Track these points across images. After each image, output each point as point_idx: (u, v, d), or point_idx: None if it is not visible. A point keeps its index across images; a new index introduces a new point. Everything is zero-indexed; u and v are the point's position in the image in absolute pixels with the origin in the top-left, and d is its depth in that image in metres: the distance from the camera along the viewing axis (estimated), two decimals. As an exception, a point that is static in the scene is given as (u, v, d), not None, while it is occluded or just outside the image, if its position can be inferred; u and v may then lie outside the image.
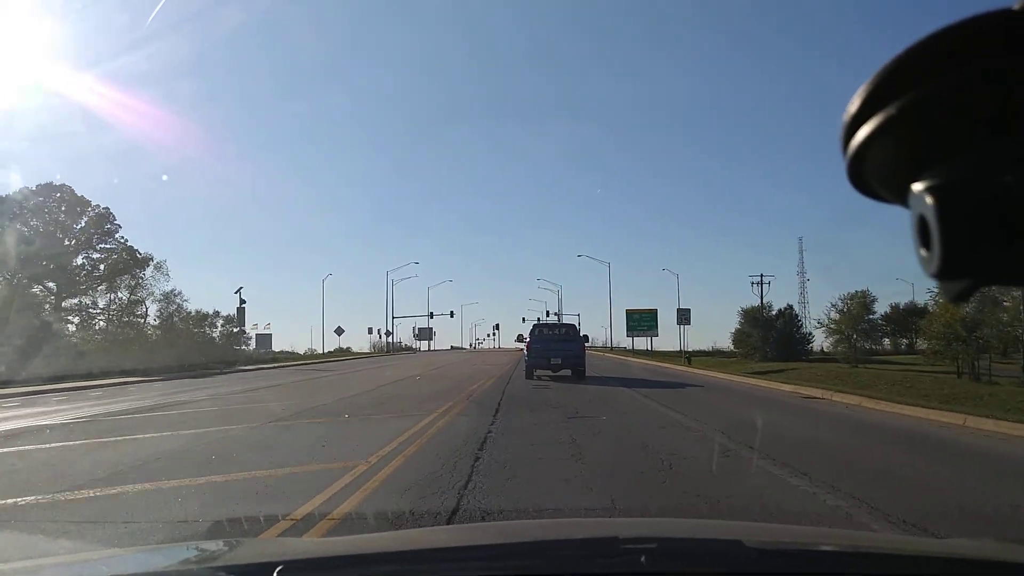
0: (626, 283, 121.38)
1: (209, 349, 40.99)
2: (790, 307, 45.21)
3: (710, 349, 62.36)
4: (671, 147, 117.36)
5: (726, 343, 57.60)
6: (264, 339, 53.10)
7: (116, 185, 79.29)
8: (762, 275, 51.22)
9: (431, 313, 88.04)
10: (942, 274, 0.50)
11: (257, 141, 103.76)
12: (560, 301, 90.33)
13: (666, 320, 61.74)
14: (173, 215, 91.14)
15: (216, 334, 46.62)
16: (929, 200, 0.51)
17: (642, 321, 58.65)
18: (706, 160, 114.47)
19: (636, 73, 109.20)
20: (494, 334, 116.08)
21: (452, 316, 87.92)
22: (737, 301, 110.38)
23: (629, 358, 45.12)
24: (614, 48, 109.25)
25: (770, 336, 42.20)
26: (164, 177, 75.09)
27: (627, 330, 59.10)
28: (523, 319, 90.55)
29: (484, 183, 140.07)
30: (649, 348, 59.20)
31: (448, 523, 4.82)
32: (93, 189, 65.18)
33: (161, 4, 40.25)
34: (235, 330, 45.77)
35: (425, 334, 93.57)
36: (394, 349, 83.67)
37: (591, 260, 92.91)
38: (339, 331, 63.52)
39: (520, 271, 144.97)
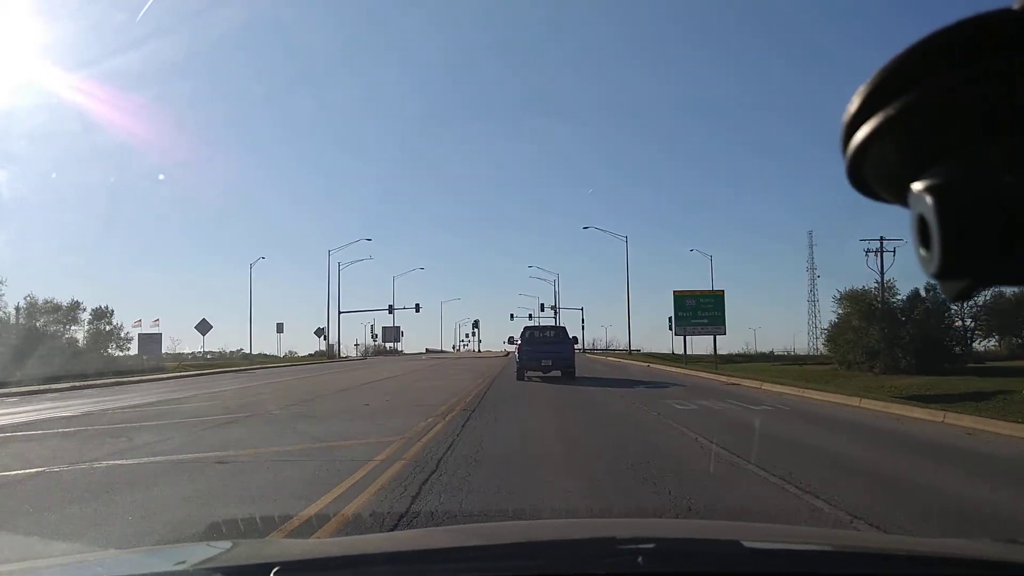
0: (637, 274, 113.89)
1: (61, 356, 28.81)
2: (932, 289, 26.59)
3: (748, 351, 49.47)
4: (681, 134, 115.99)
5: (779, 343, 43.07)
6: (149, 341, 38.68)
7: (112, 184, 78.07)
8: (882, 239, 34.43)
9: (391, 307, 67.94)
10: (941, 274, 0.50)
11: (242, 138, 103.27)
12: (556, 294, 79.56)
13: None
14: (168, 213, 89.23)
15: (81, 334, 35.41)
16: (929, 200, 0.51)
17: (701, 309, 35.79)
18: (723, 149, 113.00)
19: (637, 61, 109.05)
20: (474, 333, 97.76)
21: (418, 310, 69.13)
22: (760, 297, 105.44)
23: (730, 380, 22.31)
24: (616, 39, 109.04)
25: (901, 335, 26.09)
26: (161, 176, 73.98)
27: (675, 324, 36.36)
28: (511, 316, 76.48)
29: (470, 166, 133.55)
30: (714, 352, 36.84)
31: None
32: (90, 188, 64.34)
33: (149, 3, 39.90)
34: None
35: (391, 334, 75.97)
36: (370, 351, 71.64)
37: (597, 241, 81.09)
38: (204, 327, 43.47)
39: (508, 262, 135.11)
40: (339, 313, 62.36)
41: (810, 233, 71.13)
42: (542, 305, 74.60)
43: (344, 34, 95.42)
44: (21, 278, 73.98)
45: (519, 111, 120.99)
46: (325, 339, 60.25)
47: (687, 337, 37.45)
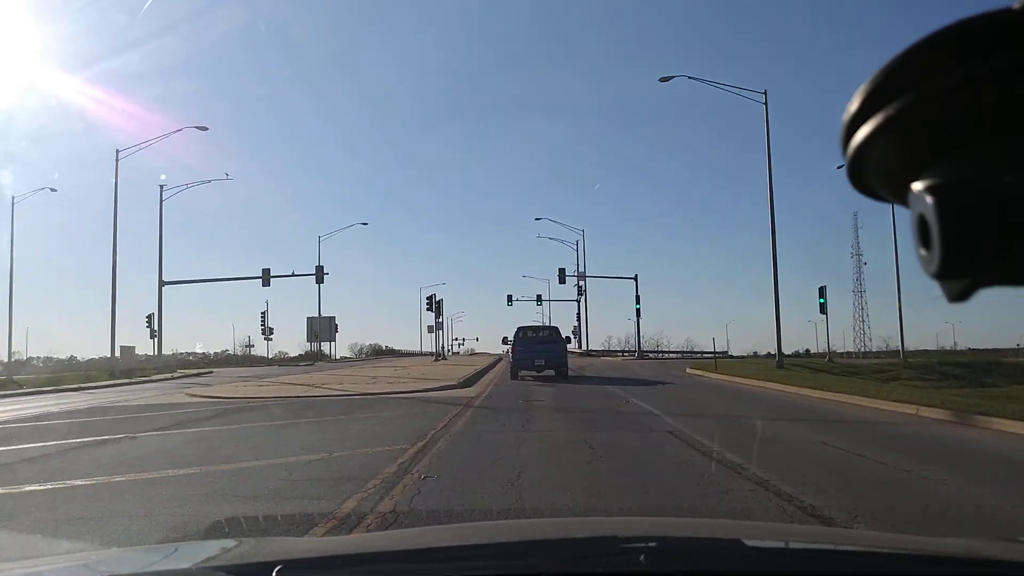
0: (646, 278, 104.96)
1: None
2: None
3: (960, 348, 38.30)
4: (677, 134, 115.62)
5: (805, 342, 33.18)
6: None
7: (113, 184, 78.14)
8: None
9: (267, 272, 38.64)
10: (942, 274, 0.50)
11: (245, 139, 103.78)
12: (582, 257, 53.69)
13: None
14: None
15: None
16: (929, 199, 0.50)
17: None
18: (721, 149, 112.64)
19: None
20: (438, 324, 58.22)
21: (320, 279, 40.56)
22: (765, 299, 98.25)
23: None
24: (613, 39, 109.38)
25: None
26: (163, 176, 73.53)
27: None
28: (509, 299, 57.33)
29: (466, 165, 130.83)
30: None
31: None
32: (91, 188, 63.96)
33: (149, 3, 40.14)
34: None
35: (319, 328, 51.25)
36: (365, 351, 52.08)
37: (605, 240, 71.43)
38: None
39: (506, 261, 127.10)
40: (160, 284, 35.24)
41: (855, 215, 62.73)
42: (561, 273, 49.86)
43: (341, 34, 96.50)
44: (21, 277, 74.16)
45: (515, 110, 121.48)
46: (113, 340, 32.89)
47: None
